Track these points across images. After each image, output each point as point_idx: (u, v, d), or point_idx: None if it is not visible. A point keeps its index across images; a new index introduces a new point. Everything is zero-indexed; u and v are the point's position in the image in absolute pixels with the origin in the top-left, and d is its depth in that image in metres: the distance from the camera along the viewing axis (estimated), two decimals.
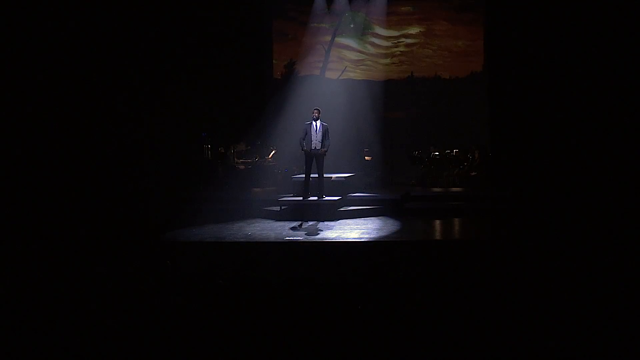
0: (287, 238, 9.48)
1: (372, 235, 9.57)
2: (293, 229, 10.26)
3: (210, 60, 14.53)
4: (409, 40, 15.94)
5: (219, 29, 14.55)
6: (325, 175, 11.44)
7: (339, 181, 12.13)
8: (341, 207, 11.53)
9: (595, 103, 13.13)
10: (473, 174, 14.05)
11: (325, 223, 10.65)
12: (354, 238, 9.37)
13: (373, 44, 16.08)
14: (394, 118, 15.76)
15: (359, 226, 10.38)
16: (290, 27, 16.29)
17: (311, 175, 11.32)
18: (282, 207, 11.47)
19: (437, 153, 14.60)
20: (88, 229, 9.71)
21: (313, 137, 11.16)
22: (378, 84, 15.78)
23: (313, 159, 11.24)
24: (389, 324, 4.06)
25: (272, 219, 11.20)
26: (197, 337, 3.98)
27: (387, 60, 16.00)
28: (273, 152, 14.67)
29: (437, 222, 10.96)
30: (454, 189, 13.68)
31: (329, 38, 16.09)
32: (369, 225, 10.44)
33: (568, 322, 4.09)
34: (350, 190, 12.48)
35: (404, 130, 15.47)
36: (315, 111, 11.23)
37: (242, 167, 14.46)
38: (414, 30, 15.91)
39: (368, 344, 3.88)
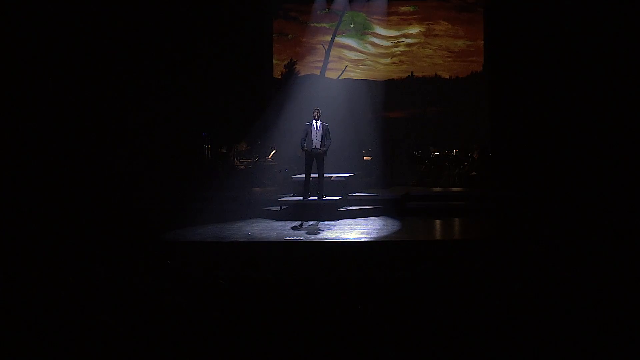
0: (287, 238, 9.48)
1: (372, 235, 9.57)
2: (293, 228, 10.26)
3: (211, 60, 14.54)
4: (409, 40, 15.94)
5: (219, 29, 14.56)
6: (325, 175, 11.43)
7: (339, 181, 12.12)
8: (341, 207, 11.52)
9: (595, 102, 13.14)
10: (473, 174, 14.04)
11: (325, 223, 10.64)
12: (354, 238, 9.37)
13: (373, 44, 16.08)
14: (394, 118, 15.77)
15: (359, 226, 10.38)
16: (290, 27, 16.29)
17: (311, 175, 11.31)
18: (282, 207, 11.47)
19: (437, 153, 14.59)
20: (88, 229, 9.71)
21: (313, 137, 11.16)
22: (378, 84, 15.78)
23: (313, 159, 11.24)
24: (389, 323, 4.06)
25: (272, 219, 11.19)
26: (197, 337, 3.98)
27: (387, 60, 16.00)
28: (273, 152, 14.66)
29: (437, 222, 10.96)
30: (454, 189, 13.68)
31: (329, 38, 16.09)
32: (369, 225, 10.44)
33: (568, 322, 4.09)
34: (350, 190, 12.47)
35: (404, 130, 15.47)
36: (316, 111, 11.23)
37: (242, 167, 14.45)
38: (414, 30, 15.91)
39: (368, 344, 3.88)
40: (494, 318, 4.16)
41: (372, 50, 16.07)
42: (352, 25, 16.03)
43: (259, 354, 3.84)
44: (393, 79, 15.92)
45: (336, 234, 9.71)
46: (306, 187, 11.29)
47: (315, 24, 15.98)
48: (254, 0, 15.43)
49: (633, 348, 3.85)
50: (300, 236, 9.66)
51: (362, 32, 16.04)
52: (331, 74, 16.14)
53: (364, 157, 14.88)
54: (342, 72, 16.10)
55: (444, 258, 7.08)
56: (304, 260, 8.33)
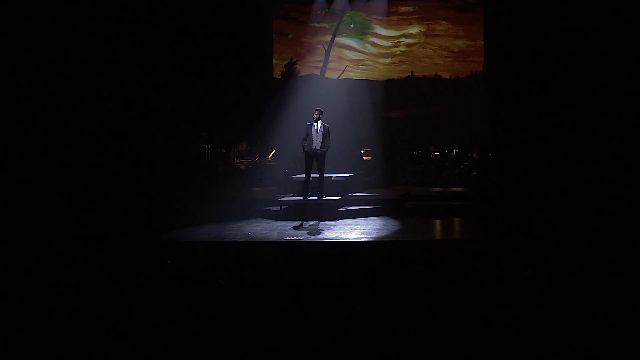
0: (287, 238, 9.48)
1: (372, 235, 9.57)
2: (293, 228, 10.27)
3: (211, 60, 14.53)
4: (409, 40, 15.95)
5: (219, 29, 14.56)
6: (325, 175, 11.44)
7: (339, 181, 12.12)
8: (341, 207, 11.52)
9: (595, 103, 13.13)
10: (473, 174, 14.04)
11: (326, 223, 10.65)
12: (354, 238, 9.37)
13: (373, 44, 16.09)
14: (394, 118, 15.77)
15: (359, 226, 10.38)
16: (290, 27, 16.30)
17: (311, 175, 11.32)
18: (282, 207, 11.47)
19: (437, 153, 14.60)
20: (88, 229, 9.71)
21: (314, 138, 11.16)
22: (378, 84, 15.79)
23: (313, 159, 11.24)
24: (389, 324, 4.06)
25: (272, 219, 11.19)
26: (197, 337, 3.98)
27: (387, 60, 16.01)
28: (273, 152, 14.67)
29: (437, 222, 10.95)
30: (454, 189, 13.67)
31: (329, 38, 16.10)
32: (369, 225, 10.44)
33: (567, 322, 4.09)
34: (350, 190, 12.47)
35: (404, 130, 15.48)
36: (317, 112, 11.23)
37: (242, 167, 14.46)
38: (414, 30, 15.92)
39: (368, 344, 3.88)
40: (494, 318, 4.16)
41: (372, 50, 16.08)
42: (352, 25, 16.04)
43: (259, 354, 3.84)
44: (393, 79, 15.93)
45: (336, 234, 9.71)
46: (306, 187, 11.29)
47: (315, 24, 15.99)
48: (254, 0, 15.43)
49: (633, 348, 3.85)
50: (301, 236, 9.66)
51: (362, 32, 16.05)
52: (331, 74, 16.14)
53: (364, 157, 14.88)
54: (342, 72, 16.10)
55: (444, 258, 7.09)
56: (304, 260, 8.34)
